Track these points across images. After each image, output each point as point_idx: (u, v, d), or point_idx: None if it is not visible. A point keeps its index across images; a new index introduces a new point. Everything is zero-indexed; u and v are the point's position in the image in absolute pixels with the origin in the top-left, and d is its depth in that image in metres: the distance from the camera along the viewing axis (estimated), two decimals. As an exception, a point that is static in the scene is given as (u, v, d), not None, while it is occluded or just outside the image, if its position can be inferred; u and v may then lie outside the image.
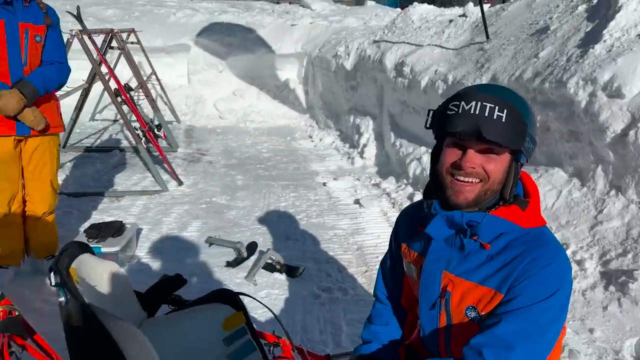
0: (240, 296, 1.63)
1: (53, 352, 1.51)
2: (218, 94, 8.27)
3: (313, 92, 8.03)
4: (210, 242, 3.43)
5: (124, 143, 6.29)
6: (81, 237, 3.09)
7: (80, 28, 4.31)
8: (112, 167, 5.29)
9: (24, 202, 2.81)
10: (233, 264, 3.16)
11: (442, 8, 6.79)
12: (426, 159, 4.17)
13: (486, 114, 1.09)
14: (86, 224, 3.75)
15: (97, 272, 1.47)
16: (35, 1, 2.55)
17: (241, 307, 1.61)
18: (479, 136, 1.10)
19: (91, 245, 2.99)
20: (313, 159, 5.90)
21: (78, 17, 4.14)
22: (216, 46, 8.94)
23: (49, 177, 2.76)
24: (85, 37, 4.27)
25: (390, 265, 1.45)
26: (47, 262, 2.97)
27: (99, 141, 6.41)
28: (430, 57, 4.89)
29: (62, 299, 1.26)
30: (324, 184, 4.85)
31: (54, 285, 1.29)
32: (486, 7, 4.42)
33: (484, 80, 3.86)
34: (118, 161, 5.51)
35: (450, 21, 5.48)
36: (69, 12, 4.44)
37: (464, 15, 5.37)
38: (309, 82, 8.21)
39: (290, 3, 11.39)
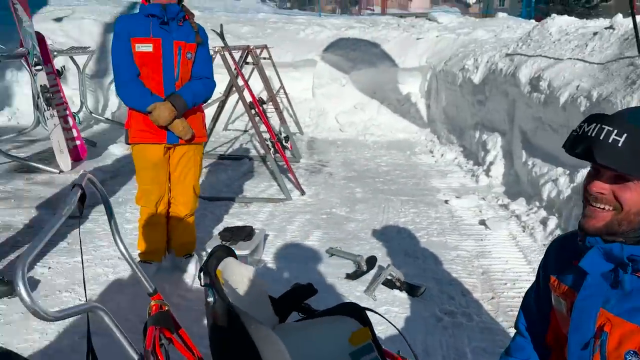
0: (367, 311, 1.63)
1: (194, 347, 1.63)
2: (340, 107, 8.44)
3: (435, 106, 7.87)
4: (331, 253, 3.49)
5: (253, 152, 6.67)
6: (215, 239, 3.32)
7: (222, 45, 4.66)
8: (242, 174, 5.63)
9: (169, 204, 3.09)
10: (353, 276, 3.18)
11: (584, 20, 6.29)
12: (563, 181, 3.87)
13: (601, 137, 1.03)
14: (219, 227, 4.03)
15: (238, 276, 1.56)
16: (189, 21, 2.81)
17: (368, 323, 1.61)
18: (593, 160, 1.04)
19: (223, 248, 3.19)
20: (434, 174, 5.77)
21: (221, 35, 4.49)
22: (341, 61, 9.15)
23: (192, 182, 3.01)
24: (226, 53, 4.61)
25: (536, 298, 1.36)
26: (185, 260, 3.24)
27: (230, 150, 6.86)
28: (571, 72, 4.55)
29: (211, 299, 1.34)
30: (446, 201, 4.71)
31: (203, 285, 1.39)
32: (638, 18, 4.00)
33: (635, 98, 3.49)
34: (247, 169, 5.85)
35: (595, 34, 5.05)
36: (213, 30, 4.83)
37: (611, 27, 4.93)
38: (432, 96, 8.06)
39: (416, 17, 11.31)
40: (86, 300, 1.42)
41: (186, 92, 2.77)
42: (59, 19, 9.24)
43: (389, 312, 2.75)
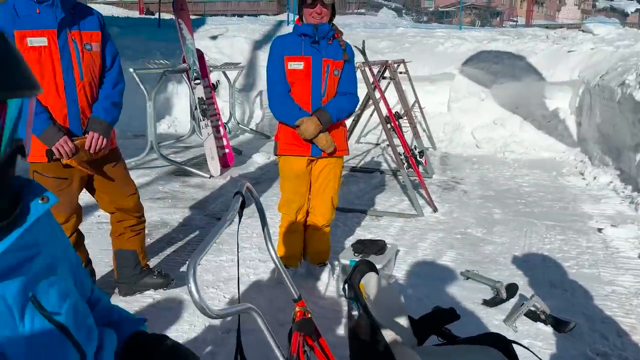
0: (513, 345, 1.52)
1: (332, 358, 1.66)
2: (477, 122, 8.11)
3: (588, 124, 7.19)
4: (467, 276, 3.34)
5: (384, 166, 6.68)
6: (348, 250, 3.37)
7: (363, 60, 4.75)
8: (373, 187, 5.67)
9: (307, 213, 3.21)
10: (490, 303, 3.01)
11: None
12: None
13: None
14: (351, 238, 4.08)
15: (379, 292, 1.56)
16: (337, 39, 2.90)
17: (513, 357, 1.51)
18: None
19: (356, 260, 3.23)
20: (585, 199, 5.26)
21: (362, 51, 4.58)
22: (481, 74, 8.81)
23: (330, 194, 3.10)
24: (366, 69, 4.69)
25: None
26: (319, 269, 3.34)
27: (362, 162, 6.94)
28: None
29: (356, 312, 1.36)
30: (599, 230, 4.26)
31: (348, 298, 1.41)
32: None
33: None
34: (378, 182, 5.87)
35: None
36: (355, 47, 4.95)
37: None
38: (584, 113, 7.39)
39: (567, 28, 10.49)
40: (239, 301, 1.52)
41: (331, 107, 2.87)
42: (214, 37, 10.17)
43: (532, 346, 2.54)
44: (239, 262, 1.52)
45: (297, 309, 1.63)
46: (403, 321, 1.60)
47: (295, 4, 12.49)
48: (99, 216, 4.23)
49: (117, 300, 3.01)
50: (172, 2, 6.17)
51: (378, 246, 3.30)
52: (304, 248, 3.33)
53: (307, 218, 3.22)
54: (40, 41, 2.36)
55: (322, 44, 2.86)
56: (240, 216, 1.54)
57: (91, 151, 2.54)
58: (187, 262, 1.21)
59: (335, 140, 2.94)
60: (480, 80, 8.67)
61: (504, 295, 3.04)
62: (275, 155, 3.09)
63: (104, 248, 3.56)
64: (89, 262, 2.97)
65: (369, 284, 1.52)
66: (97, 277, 3.16)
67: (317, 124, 2.82)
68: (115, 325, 1.12)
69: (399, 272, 3.50)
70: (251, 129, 8.50)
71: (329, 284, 3.23)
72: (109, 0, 33.63)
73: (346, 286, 1.43)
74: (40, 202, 0.85)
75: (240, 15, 15.96)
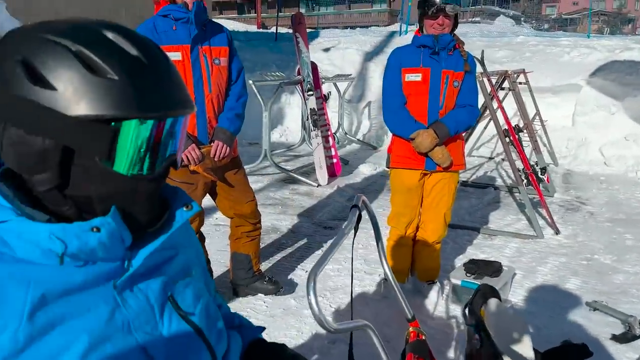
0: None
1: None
2: (606, 138, 7.40)
3: None
4: (594, 307, 3.03)
5: (499, 181, 6.34)
6: (459, 270, 3.22)
7: (482, 70, 4.56)
8: (486, 203, 5.39)
9: (417, 228, 3.12)
10: (621, 339, 2.70)
11: None
12: None
13: None
14: (461, 257, 3.91)
15: (503, 320, 1.45)
16: (459, 49, 2.80)
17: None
18: None
19: (468, 281, 3.07)
20: None
21: (481, 61, 4.40)
22: (612, 85, 8.04)
23: (443, 210, 2.98)
24: (485, 79, 4.49)
25: None
26: (427, 286, 3.23)
27: (474, 177, 6.65)
28: None
29: (477, 340, 1.27)
30: None
31: (468, 325, 1.33)
32: None
33: None
34: (492, 199, 5.57)
35: None
36: (475, 58, 4.77)
37: None
38: None
39: None
40: (351, 317, 1.50)
41: (449, 120, 2.77)
42: (326, 49, 10.39)
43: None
44: (352, 278, 1.50)
45: (410, 329, 1.58)
46: (528, 354, 1.48)
47: (408, 15, 12.41)
48: (217, 219, 4.47)
49: (230, 300, 3.15)
50: (291, 17, 6.41)
51: (493, 268, 3.12)
52: (412, 264, 3.24)
53: (416, 233, 3.14)
54: (175, 56, 2.55)
55: (442, 55, 2.78)
56: (356, 230, 1.53)
57: (215, 159, 2.69)
58: (307, 273, 1.21)
59: (451, 154, 2.83)
60: (611, 93, 7.92)
61: (637, 331, 2.71)
62: (388, 167, 3.05)
63: (220, 249, 3.75)
64: (207, 262, 3.14)
65: (492, 310, 1.42)
66: (214, 276, 3.33)
67: (434, 137, 2.73)
68: (236, 331, 1.14)
69: (515, 297, 3.27)
70: (358, 140, 8.53)
71: (437, 303, 3.11)
72: (230, 15, 35.89)
73: (467, 311, 1.35)
74: (185, 209, 0.89)
75: (353, 27, 16.18)
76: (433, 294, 3.17)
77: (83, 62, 0.71)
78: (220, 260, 3.61)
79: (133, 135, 0.74)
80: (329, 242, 4.12)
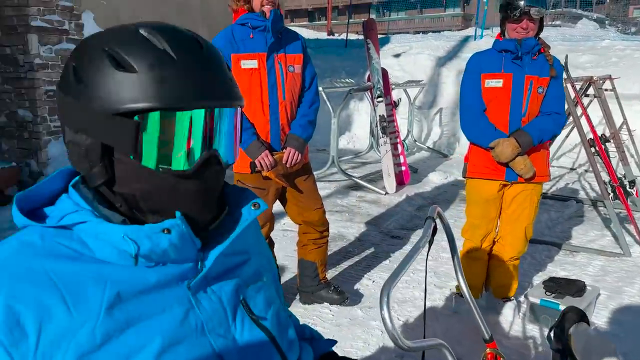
0: None
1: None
2: None
3: None
4: (693, 335, 2.75)
5: (581, 194, 5.96)
6: (538, 288, 3.04)
7: (565, 76, 4.30)
8: (567, 217, 5.07)
9: (494, 242, 2.97)
10: None
11: None
12: None
13: None
14: (540, 274, 3.68)
15: (593, 347, 1.33)
16: (544, 54, 2.64)
17: None
18: None
19: (548, 300, 2.89)
20: None
21: (565, 67, 4.15)
22: None
23: (524, 224, 2.82)
24: (568, 85, 4.23)
25: None
26: (502, 303, 3.06)
27: (554, 188, 6.29)
28: None
29: (565, 369, 1.17)
30: None
31: (553, 350, 1.23)
32: None
33: None
34: (573, 213, 5.24)
35: None
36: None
37: None
38: None
39: None
40: (423, 335, 1.43)
41: (533, 128, 2.62)
42: (397, 55, 10.27)
43: None
44: (426, 294, 1.42)
45: (487, 350, 1.48)
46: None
47: (484, 18, 12.02)
48: (284, 224, 4.50)
49: (297, 306, 3.14)
50: (363, 23, 6.38)
51: (576, 287, 2.91)
52: (487, 279, 3.08)
53: (493, 247, 2.99)
54: (251, 63, 2.59)
55: (525, 60, 2.63)
56: (431, 243, 1.46)
57: (287, 165, 2.70)
58: (381, 286, 1.17)
59: (535, 164, 2.67)
60: None
61: None
62: (464, 177, 2.93)
63: (288, 255, 3.77)
64: (276, 267, 3.15)
65: (580, 336, 1.31)
66: (282, 282, 3.34)
67: (515, 146, 2.59)
68: (307, 342, 1.12)
69: (599, 319, 3.04)
70: (428, 147, 8.34)
71: (513, 322, 2.94)
72: (301, 23, 36.53)
73: (552, 334, 1.25)
74: (252, 208, 0.88)
75: (425, 32, 15.92)
76: (508, 312, 3.00)
77: (112, 59, 0.74)
78: (288, 266, 3.62)
79: (155, 127, 0.74)
80: (397, 253, 4.07)
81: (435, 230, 1.45)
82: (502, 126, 2.68)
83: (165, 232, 0.75)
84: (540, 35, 2.71)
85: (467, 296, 1.49)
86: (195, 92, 0.74)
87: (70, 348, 0.69)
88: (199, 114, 0.75)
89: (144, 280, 0.76)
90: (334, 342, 1.14)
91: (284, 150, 2.71)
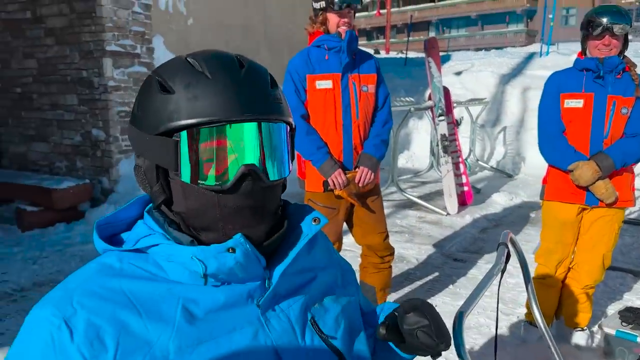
0: None
1: None
2: None
3: None
4: None
5: (660, 218, 5.57)
6: (613, 318, 2.84)
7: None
8: (644, 243, 4.75)
9: (569, 268, 2.82)
10: None
11: None
12: None
13: None
14: (614, 303, 3.45)
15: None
16: (629, 72, 2.50)
17: None
18: None
19: (625, 332, 2.70)
20: None
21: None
22: None
23: (602, 251, 2.66)
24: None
25: None
26: (574, 333, 2.89)
27: (627, 211, 5.92)
28: None
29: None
30: None
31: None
32: None
33: None
34: (651, 238, 4.90)
35: None
36: None
37: None
38: None
39: None
40: (495, 357, 1.36)
41: (616, 151, 2.48)
42: (458, 73, 10.12)
43: None
44: (497, 321, 1.37)
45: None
46: None
47: (550, 34, 11.64)
48: (345, 244, 4.48)
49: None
50: (424, 42, 6.34)
51: (657, 319, 2.69)
52: (558, 306, 2.92)
53: (567, 274, 2.83)
54: (326, 84, 2.63)
55: (608, 79, 2.49)
56: (504, 271, 1.40)
57: (360, 184, 2.69)
58: (454, 317, 1.13)
59: (618, 189, 2.51)
60: None
61: None
62: (541, 199, 2.81)
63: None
64: None
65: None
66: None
67: (595, 169, 2.45)
68: (372, 314, 1.11)
69: (686, 355, 2.79)
70: (491, 167, 8.10)
71: (586, 353, 2.76)
72: (359, 42, 36.78)
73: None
74: (313, 223, 0.88)
75: (487, 49, 15.62)
76: (580, 342, 2.83)
77: (160, 84, 0.79)
78: (346, 286, 3.59)
79: (189, 143, 0.76)
80: (462, 277, 3.94)
81: (508, 257, 1.39)
82: (582, 148, 2.55)
83: (230, 251, 0.77)
84: (629, 49, 2.58)
85: (542, 326, 1.41)
86: (227, 107, 0.76)
87: None
88: (232, 129, 0.77)
89: (214, 299, 0.78)
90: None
91: (357, 170, 2.71)
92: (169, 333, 0.74)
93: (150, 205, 0.86)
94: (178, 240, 0.80)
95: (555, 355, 1.41)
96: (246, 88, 0.78)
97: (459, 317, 1.08)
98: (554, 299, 2.85)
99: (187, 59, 0.81)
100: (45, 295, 0.77)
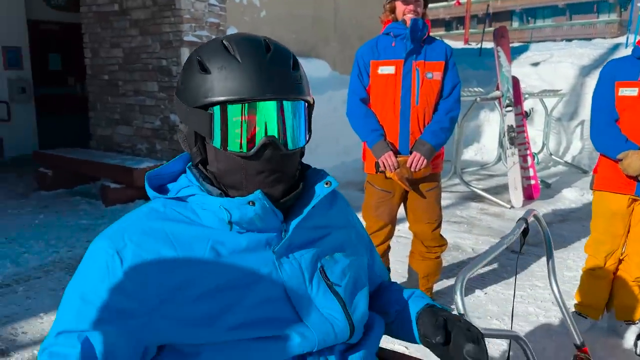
0: None
1: None
2: None
3: None
4: None
5: None
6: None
7: None
8: None
9: (620, 260, 2.74)
10: None
11: None
12: None
13: None
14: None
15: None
16: None
17: None
18: None
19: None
20: None
21: None
22: None
23: (653, 242, 2.57)
24: None
25: None
26: (624, 326, 2.81)
27: None
28: None
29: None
30: None
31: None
32: None
33: None
34: None
35: None
36: None
37: None
38: None
39: None
40: (511, 327, 1.42)
41: None
42: (535, 64, 9.72)
43: None
44: (515, 288, 1.42)
45: (578, 353, 1.43)
46: None
47: (638, 23, 10.84)
48: (398, 229, 4.55)
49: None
50: (493, 31, 6.21)
51: None
52: (610, 299, 2.85)
53: (619, 266, 2.76)
54: (389, 69, 2.72)
55: None
56: (522, 244, 1.46)
57: (412, 169, 2.73)
58: (456, 277, 1.21)
59: None
60: None
61: None
62: (591, 189, 2.76)
63: (398, 259, 3.83)
64: (388, 270, 3.20)
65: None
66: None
67: None
68: (417, 297, 1.17)
69: None
70: (566, 162, 7.75)
71: (637, 347, 2.68)
72: (438, 33, 36.06)
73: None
74: (325, 186, 1.02)
75: (569, 40, 14.80)
76: (631, 336, 2.74)
77: (199, 64, 0.96)
78: (398, 270, 3.67)
79: (221, 117, 0.92)
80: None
81: (526, 232, 1.44)
82: (635, 137, 2.47)
83: (250, 204, 0.93)
84: None
85: (558, 299, 1.45)
86: (252, 88, 0.92)
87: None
88: (257, 106, 0.93)
89: (237, 242, 0.95)
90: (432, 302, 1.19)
91: (408, 156, 2.74)
92: (198, 266, 0.90)
93: (190, 162, 1.04)
94: (210, 193, 0.97)
95: (572, 328, 1.45)
96: (270, 70, 0.93)
97: (461, 281, 1.16)
98: (604, 290, 2.78)
99: (223, 41, 0.97)
100: (104, 230, 0.96)
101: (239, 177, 0.95)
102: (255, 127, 0.92)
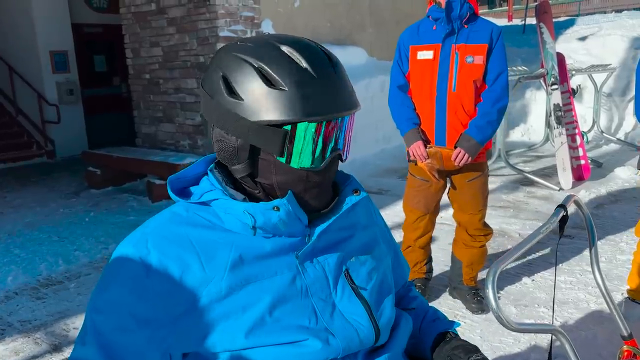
0: None
1: None
2: None
3: None
4: None
5: None
6: None
7: None
8: None
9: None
10: None
11: None
12: None
13: None
14: None
15: None
16: None
17: None
18: None
19: None
20: None
21: None
22: None
23: None
24: None
25: None
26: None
27: None
28: None
29: None
30: None
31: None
32: None
33: None
34: None
35: None
36: None
37: None
38: None
39: None
40: (552, 322, 1.37)
41: None
42: (582, 38, 9.27)
43: None
44: (555, 278, 1.36)
45: (624, 347, 1.36)
46: None
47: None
48: (441, 217, 4.47)
49: (445, 297, 3.14)
50: (535, 7, 5.95)
51: None
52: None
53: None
54: (427, 54, 2.62)
55: None
56: (562, 231, 1.39)
57: (455, 164, 2.62)
58: (488, 269, 1.17)
59: None
60: None
61: None
62: (638, 169, 2.61)
63: (441, 247, 3.76)
64: (430, 259, 3.13)
65: None
66: (435, 273, 3.32)
67: None
68: (429, 322, 1.17)
69: None
70: (618, 139, 7.38)
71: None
72: (481, 10, 34.82)
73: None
74: (354, 194, 1.01)
75: (619, 11, 14.01)
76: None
77: (263, 76, 0.88)
78: (440, 258, 3.61)
79: (300, 136, 0.89)
80: (567, 253, 3.75)
81: (565, 219, 1.37)
82: None
83: (275, 209, 0.91)
84: None
85: (603, 290, 1.38)
86: (330, 105, 0.89)
87: (203, 295, 0.89)
88: (332, 123, 0.91)
89: (260, 247, 0.93)
90: (457, 323, 1.17)
91: (442, 147, 2.65)
92: (222, 273, 0.90)
93: (212, 165, 1.01)
94: (233, 197, 0.95)
95: (618, 320, 1.37)
96: (339, 84, 0.91)
97: (493, 274, 1.12)
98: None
99: (283, 49, 0.89)
100: (127, 236, 0.96)
101: (299, 189, 0.94)
102: (329, 143, 0.92)
